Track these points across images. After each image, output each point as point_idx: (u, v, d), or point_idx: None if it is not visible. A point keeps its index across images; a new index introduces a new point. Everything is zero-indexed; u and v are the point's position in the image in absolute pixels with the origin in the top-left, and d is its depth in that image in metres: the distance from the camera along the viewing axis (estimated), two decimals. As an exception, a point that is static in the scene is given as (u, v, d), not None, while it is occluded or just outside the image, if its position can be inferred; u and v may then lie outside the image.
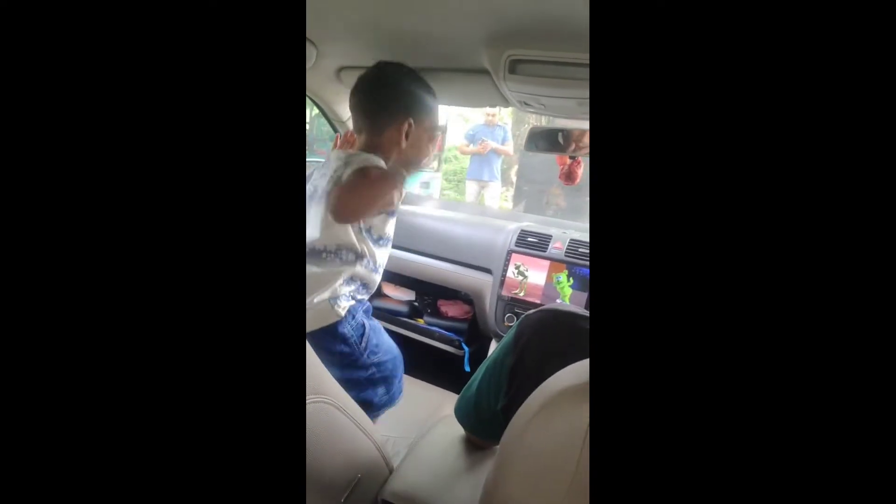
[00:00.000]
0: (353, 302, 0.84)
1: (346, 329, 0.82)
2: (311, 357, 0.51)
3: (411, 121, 0.85)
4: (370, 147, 0.86)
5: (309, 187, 0.88)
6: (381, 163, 0.83)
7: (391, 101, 0.85)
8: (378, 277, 0.88)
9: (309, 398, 0.48)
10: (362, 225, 0.81)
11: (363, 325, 0.85)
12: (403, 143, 0.85)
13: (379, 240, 0.85)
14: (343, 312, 0.81)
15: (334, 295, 0.81)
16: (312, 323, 0.80)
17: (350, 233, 0.80)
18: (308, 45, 0.88)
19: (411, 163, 0.90)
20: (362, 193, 0.77)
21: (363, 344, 0.83)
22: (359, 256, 0.82)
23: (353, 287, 0.84)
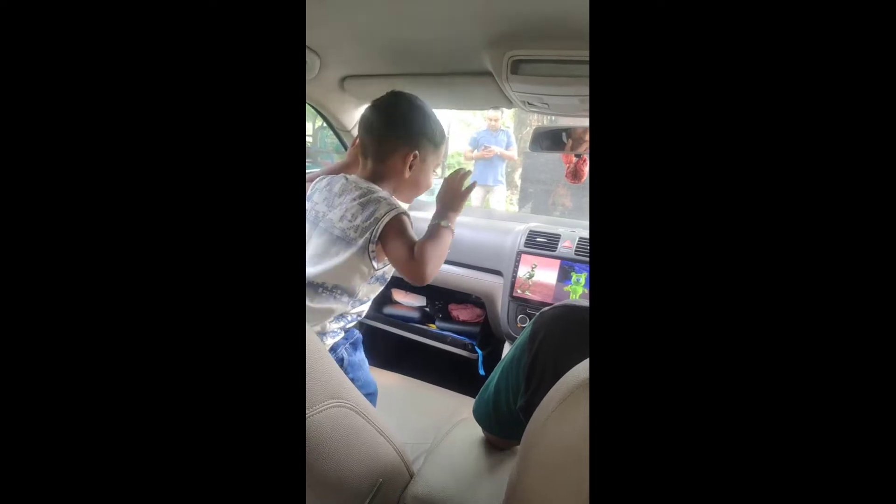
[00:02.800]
0: (339, 338, 0.84)
1: None
2: (329, 362, 0.52)
3: (416, 153, 0.85)
4: (374, 173, 0.86)
5: (310, 212, 0.87)
6: (396, 202, 0.82)
7: (399, 131, 0.85)
8: (368, 305, 0.88)
9: (328, 402, 0.48)
10: (377, 273, 0.82)
11: (341, 360, 0.84)
12: (406, 174, 0.86)
13: (381, 279, 0.86)
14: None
15: (322, 331, 0.81)
16: None
17: (355, 278, 0.80)
18: (311, 54, 0.89)
19: (411, 192, 0.91)
20: (431, 254, 0.77)
21: None
22: (352, 297, 0.82)
23: (342, 323, 0.84)
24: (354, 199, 0.81)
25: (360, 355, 0.89)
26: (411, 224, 0.82)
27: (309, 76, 0.96)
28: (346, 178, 0.87)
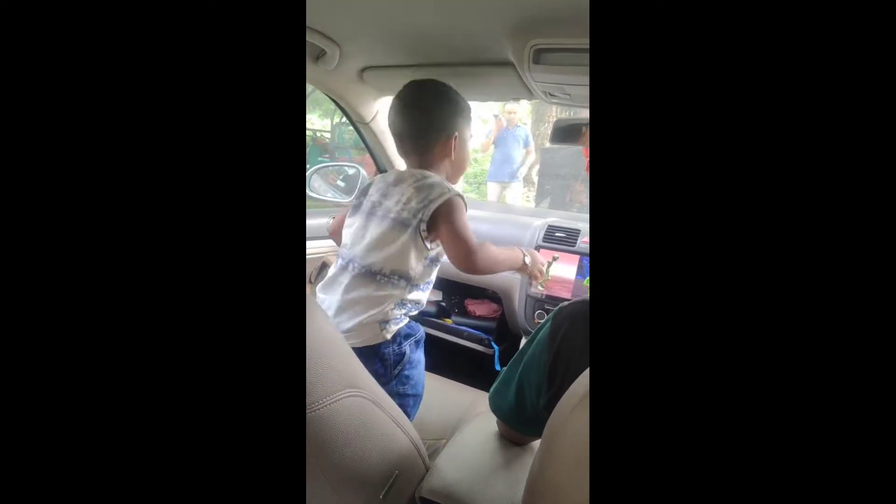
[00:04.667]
0: (401, 325, 0.85)
1: (387, 351, 0.83)
2: (347, 351, 0.51)
3: (456, 135, 0.88)
4: (421, 166, 0.89)
5: (366, 203, 0.89)
6: (450, 185, 0.86)
7: (435, 124, 0.87)
8: (428, 293, 0.89)
9: (344, 392, 0.48)
10: (431, 255, 0.84)
11: (403, 354, 0.85)
12: (452, 156, 0.89)
13: (435, 261, 0.87)
14: (389, 336, 0.83)
15: (385, 318, 0.82)
16: (359, 339, 0.82)
17: (410, 261, 0.82)
18: (331, 44, 0.89)
19: (458, 173, 0.95)
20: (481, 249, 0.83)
21: (395, 370, 0.84)
22: (409, 282, 0.83)
23: (403, 310, 0.85)
24: (410, 185, 0.84)
25: (421, 355, 0.90)
26: (466, 207, 0.84)
27: (328, 67, 0.95)
28: (400, 171, 0.89)
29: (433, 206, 0.80)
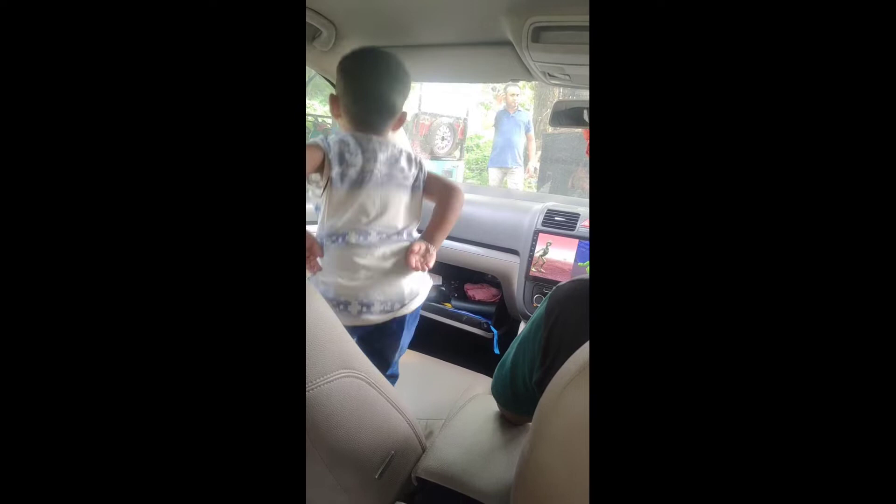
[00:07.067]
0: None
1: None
2: (340, 331, 0.51)
3: (332, 94, 0.91)
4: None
5: (366, 174, 0.86)
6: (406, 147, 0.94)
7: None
8: None
9: (339, 372, 0.48)
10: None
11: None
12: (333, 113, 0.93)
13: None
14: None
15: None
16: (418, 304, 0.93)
17: (414, 212, 0.93)
18: (326, 24, 0.88)
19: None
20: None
21: None
22: (415, 227, 0.94)
23: None
24: (399, 155, 0.90)
25: None
26: None
27: (324, 48, 0.94)
28: (370, 139, 0.88)
29: (425, 171, 0.92)
